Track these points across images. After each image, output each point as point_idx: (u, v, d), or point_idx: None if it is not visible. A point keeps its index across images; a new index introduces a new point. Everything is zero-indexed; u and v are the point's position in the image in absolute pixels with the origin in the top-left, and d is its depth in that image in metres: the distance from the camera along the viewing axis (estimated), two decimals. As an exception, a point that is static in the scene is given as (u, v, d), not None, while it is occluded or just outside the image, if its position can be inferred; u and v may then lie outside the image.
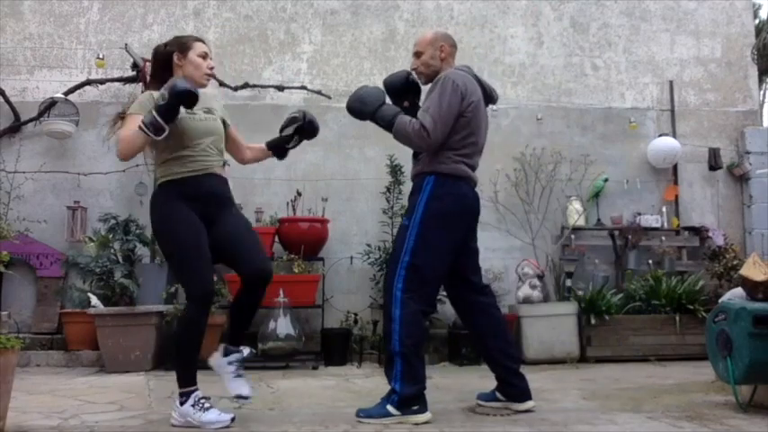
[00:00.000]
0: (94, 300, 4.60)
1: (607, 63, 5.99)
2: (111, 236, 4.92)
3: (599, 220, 5.60)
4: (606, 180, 5.56)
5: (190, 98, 2.60)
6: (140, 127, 2.60)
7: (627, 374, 4.16)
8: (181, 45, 2.86)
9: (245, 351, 2.93)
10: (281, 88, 5.53)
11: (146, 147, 2.76)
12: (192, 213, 2.73)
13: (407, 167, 5.27)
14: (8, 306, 5.10)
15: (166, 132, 2.62)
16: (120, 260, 4.93)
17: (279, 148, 3.16)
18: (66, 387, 3.76)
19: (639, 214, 5.55)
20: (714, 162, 5.68)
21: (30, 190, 5.37)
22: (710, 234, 5.52)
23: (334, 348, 4.82)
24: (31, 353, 4.68)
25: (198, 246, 2.69)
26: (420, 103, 2.99)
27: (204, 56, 2.87)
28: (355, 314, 5.11)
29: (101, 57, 5.24)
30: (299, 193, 5.17)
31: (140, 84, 5.13)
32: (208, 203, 2.79)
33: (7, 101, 5.45)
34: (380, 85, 3.04)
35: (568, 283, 5.22)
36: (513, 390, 2.96)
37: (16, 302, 5.21)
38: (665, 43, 6.03)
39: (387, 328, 2.79)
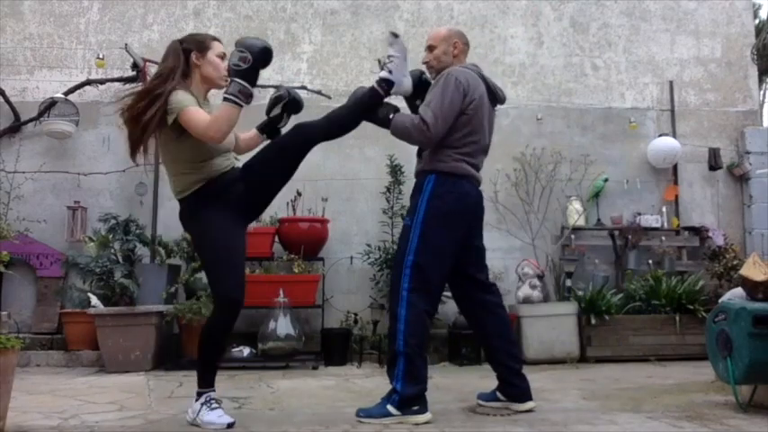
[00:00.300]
0: (94, 300, 4.60)
1: (607, 63, 5.98)
2: (111, 236, 4.92)
3: (599, 220, 5.60)
4: (606, 180, 5.56)
5: (269, 55, 2.59)
6: (232, 100, 2.51)
7: (627, 374, 4.16)
8: (199, 44, 2.78)
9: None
10: (281, 88, 5.52)
11: (154, 146, 2.73)
12: (227, 216, 2.70)
13: (407, 167, 5.31)
14: (8, 306, 5.09)
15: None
16: (121, 260, 4.94)
17: (271, 130, 3.03)
18: (66, 387, 3.76)
19: (639, 214, 5.55)
20: (714, 162, 5.67)
21: (30, 190, 5.37)
22: (710, 234, 5.51)
23: (334, 348, 4.82)
24: (31, 353, 4.68)
25: (230, 254, 2.69)
26: None
27: (222, 56, 2.80)
28: (355, 314, 5.11)
29: (101, 57, 5.24)
30: (299, 193, 5.17)
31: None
32: (231, 188, 2.74)
33: (7, 101, 5.46)
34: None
35: (568, 283, 5.22)
36: (513, 390, 2.96)
37: (16, 302, 5.21)
38: (665, 43, 6.03)
39: (392, 328, 2.80)
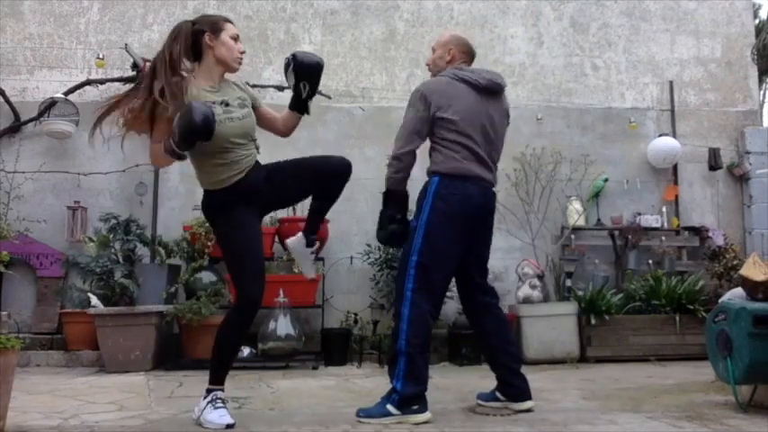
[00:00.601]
0: (94, 300, 4.60)
1: (607, 63, 5.98)
2: (111, 236, 4.92)
3: (599, 220, 5.60)
4: (606, 180, 5.56)
5: (207, 132, 2.50)
6: (165, 148, 2.56)
7: (627, 374, 4.16)
8: (213, 25, 2.71)
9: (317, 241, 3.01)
10: (281, 88, 5.53)
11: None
12: (249, 215, 2.74)
13: (407, 167, 5.31)
14: (8, 306, 5.09)
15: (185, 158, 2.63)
16: (121, 260, 4.93)
17: (298, 105, 2.95)
18: (66, 387, 3.76)
19: (639, 214, 5.55)
20: (714, 162, 5.67)
21: (30, 190, 5.37)
22: (710, 234, 5.51)
23: (334, 348, 4.82)
24: (31, 353, 4.68)
25: (253, 254, 2.71)
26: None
27: (236, 38, 2.75)
28: (355, 314, 5.11)
29: (101, 57, 5.24)
30: (299, 193, 5.16)
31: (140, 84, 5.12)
32: (259, 191, 2.77)
33: (7, 101, 5.46)
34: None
35: (568, 283, 5.22)
36: (513, 390, 2.96)
37: (16, 302, 5.21)
38: (665, 43, 6.03)
39: (395, 327, 2.80)
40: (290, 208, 5.13)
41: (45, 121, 5.34)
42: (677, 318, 4.84)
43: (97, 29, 5.76)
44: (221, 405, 2.68)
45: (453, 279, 3.02)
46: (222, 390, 2.73)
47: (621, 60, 5.99)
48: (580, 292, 5.01)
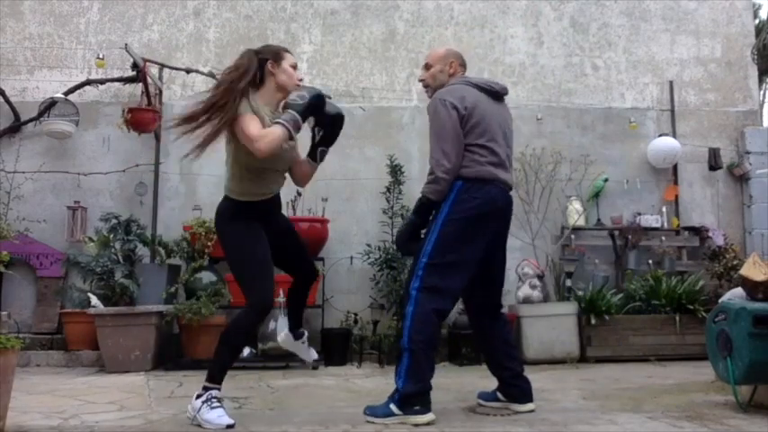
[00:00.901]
0: (94, 300, 4.60)
1: (607, 63, 5.98)
2: (111, 236, 4.92)
3: (599, 220, 5.60)
4: (606, 180, 5.56)
5: (321, 101, 2.80)
6: (282, 123, 2.66)
7: (627, 374, 4.16)
8: (275, 54, 2.94)
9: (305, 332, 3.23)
10: (281, 88, 5.53)
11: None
12: (261, 228, 2.86)
13: (407, 167, 5.32)
14: (8, 306, 5.09)
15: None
16: (121, 260, 4.94)
17: (312, 151, 3.02)
18: (66, 387, 3.76)
19: (639, 214, 5.55)
20: (714, 162, 5.67)
21: (30, 190, 5.37)
22: (710, 234, 5.51)
23: (334, 348, 4.82)
24: (31, 353, 4.68)
25: (266, 261, 2.84)
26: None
27: (294, 66, 2.98)
28: (355, 314, 5.11)
29: (101, 57, 5.23)
30: (299, 193, 5.17)
31: (140, 84, 5.13)
32: (270, 215, 2.93)
33: (7, 101, 5.46)
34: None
35: (568, 283, 5.22)
36: (514, 390, 2.96)
37: (16, 302, 5.21)
38: (665, 43, 6.03)
39: (401, 326, 2.80)
40: (290, 208, 5.14)
41: (45, 121, 5.34)
42: (677, 318, 4.84)
43: (97, 29, 5.77)
44: (218, 405, 2.70)
45: None
46: (219, 389, 2.74)
47: (621, 60, 5.99)
48: (580, 292, 5.02)
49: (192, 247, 4.95)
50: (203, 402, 2.69)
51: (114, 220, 4.94)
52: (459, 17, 5.94)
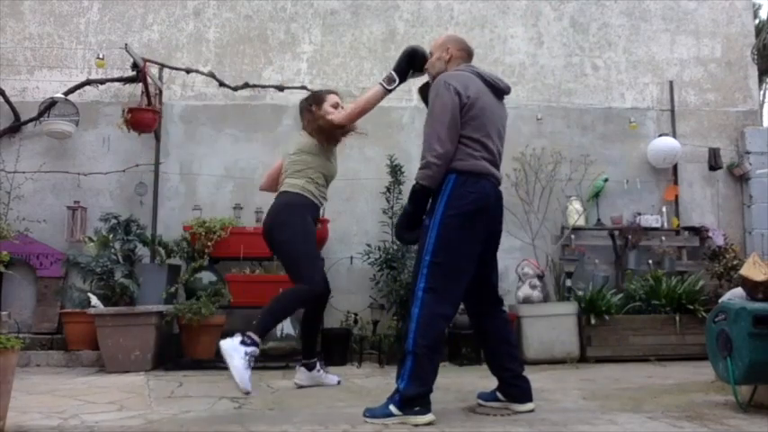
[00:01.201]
0: (94, 300, 4.60)
1: (607, 63, 5.99)
2: (111, 236, 4.92)
3: (599, 220, 5.60)
4: (606, 180, 5.56)
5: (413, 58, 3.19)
6: (382, 84, 3.25)
7: (627, 374, 4.16)
8: (317, 98, 3.65)
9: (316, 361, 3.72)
10: (281, 88, 5.53)
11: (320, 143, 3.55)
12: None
13: (407, 167, 5.32)
14: (8, 306, 5.09)
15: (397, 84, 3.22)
16: (121, 260, 4.93)
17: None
18: (66, 387, 3.76)
19: (639, 214, 5.55)
20: (714, 162, 5.67)
21: (30, 190, 5.37)
22: (710, 234, 5.51)
23: (334, 348, 4.82)
24: (31, 353, 4.68)
25: (318, 253, 3.57)
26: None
27: (336, 105, 3.59)
28: (355, 314, 5.11)
29: (101, 57, 5.23)
30: (299, 193, 5.17)
31: (140, 84, 5.13)
32: (314, 223, 3.59)
33: (7, 101, 5.46)
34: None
35: (568, 283, 5.22)
36: (514, 390, 2.95)
37: (16, 302, 5.21)
38: (665, 43, 6.03)
39: (406, 327, 2.77)
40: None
41: (45, 121, 5.34)
42: (677, 318, 4.84)
43: (97, 29, 5.77)
44: (251, 366, 2.90)
45: None
46: (258, 347, 3.00)
47: (621, 60, 5.99)
48: (580, 292, 5.02)
49: (192, 247, 4.95)
50: (246, 353, 2.88)
51: (114, 220, 4.94)
52: (459, 17, 5.94)
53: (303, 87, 5.55)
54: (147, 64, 5.14)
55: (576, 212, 5.45)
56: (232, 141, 5.65)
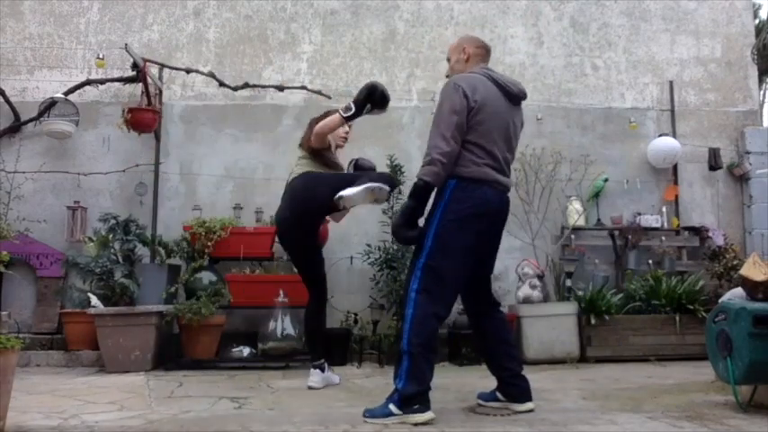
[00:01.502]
0: (94, 300, 4.60)
1: (607, 63, 5.98)
2: (111, 236, 4.92)
3: (599, 220, 5.60)
4: (606, 180, 5.56)
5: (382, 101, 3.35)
6: (339, 112, 3.43)
7: (627, 374, 4.16)
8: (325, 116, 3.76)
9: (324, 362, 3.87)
10: (281, 88, 5.53)
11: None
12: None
13: (407, 167, 5.31)
14: (8, 306, 5.09)
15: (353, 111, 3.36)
16: (120, 260, 4.93)
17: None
18: (66, 387, 3.76)
19: (639, 214, 5.55)
20: (714, 162, 5.67)
21: (30, 190, 5.37)
22: (710, 234, 5.52)
23: (334, 348, 4.80)
24: (31, 353, 4.68)
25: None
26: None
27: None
28: (355, 314, 5.11)
29: (101, 57, 5.23)
30: (299, 193, 5.16)
31: (140, 84, 5.12)
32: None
33: (7, 101, 5.45)
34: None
35: (568, 283, 5.22)
36: (513, 390, 2.96)
37: (16, 302, 5.20)
38: (665, 43, 6.03)
39: (400, 327, 2.80)
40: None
41: (45, 121, 5.34)
42: (677, 318, 4.84)
43: (97, 29, 5.76)
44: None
45: None
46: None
47: (621, 60, 5.99)
48: (580, 292, 5.01)
49: (192, 247, 4.95)
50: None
51: (113, 221, 4.94)
52: (459, 17, 5.94)
53: (303, 87, 5.55)
54: (147, 64, 5.14)
55: (575, 212, 5.45)
56: (232, 141, 5.65)
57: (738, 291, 3.20)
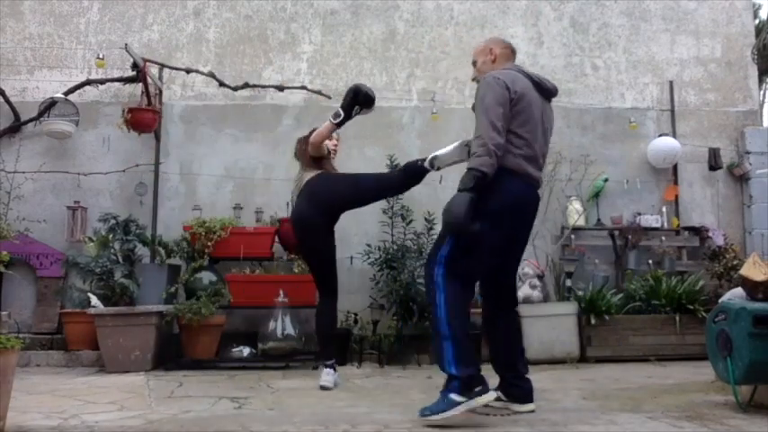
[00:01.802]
0: (94, 300, 4.60)
1: (607, 63, 5.98)
2: (111, 236, 4.92)
3: (599, 220, 5.60)
4: (606, 180, 5.56)
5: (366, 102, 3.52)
6: (329, 119, 3.57)
7: (627, 374, 4.16)
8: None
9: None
10: (281, 88, 5.53)
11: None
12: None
13: (407, 167, 5.30)
14: (8, 306, 5.09)
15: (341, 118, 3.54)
16: (120, 260, 4.93)
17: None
18: (66, 387, 3.76)
19: (639, 214, 5.55)
20: (714, 162, 5.67)
21: (30, 190, 5.37)
22: (710, 234, 5.52)
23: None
24: (31, 353, 4.68)
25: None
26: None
27: (329, 138, 3.78)
28: (355, 314, 5.11)
29: (101, 57, 5.23)
30: (300, 194, 5.17)
31: (140, 84, 5.13)
32: None
33: (7, 101, 5.45)
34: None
35: (568, 283, 5.22)
36: (516, 391, 2.95)
37: (16, 302, 5.21)
38: (665, 43, 6.03)
39: (432, 316, 2.73)
40: (290, 207, 5.13)
41: (45, 121, 5.34)
42: (677, 318, 4.84)
43: (97, 29, 5.77)
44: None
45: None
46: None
47: (621, 60, 5.99)
48: (580, 292, 5.02)
49: (191, 247, 4.95)
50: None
51: (113, 221, 4.94)
52: (459, 17, 5.94)
53: (303, 87, 5.56)
54: (147, 64, 5.14)
55: (575, 212, 5.45)
56: (232, 141, 5.65)
57: (738, 291, 3.20)
